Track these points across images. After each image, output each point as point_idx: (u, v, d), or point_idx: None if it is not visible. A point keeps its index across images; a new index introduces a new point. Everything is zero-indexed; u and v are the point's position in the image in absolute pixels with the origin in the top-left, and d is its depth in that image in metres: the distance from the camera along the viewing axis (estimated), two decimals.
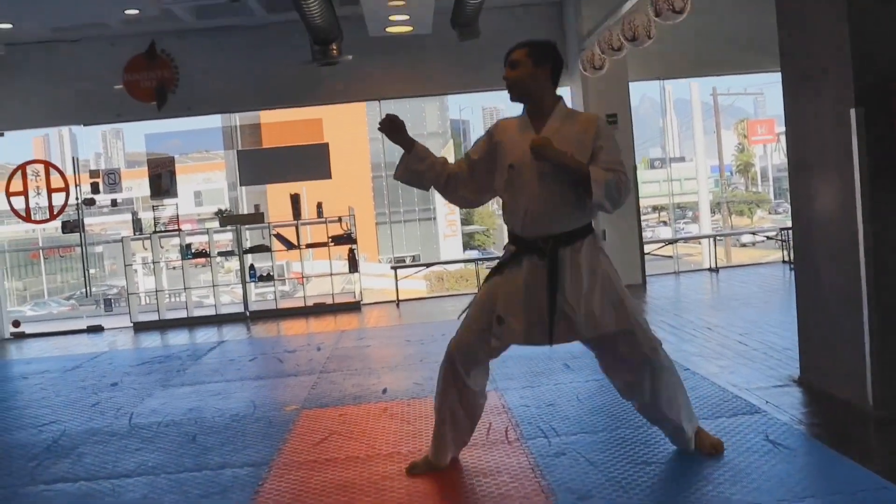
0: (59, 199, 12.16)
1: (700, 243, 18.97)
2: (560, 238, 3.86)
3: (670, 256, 14.08)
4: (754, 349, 6.67)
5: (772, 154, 39.88)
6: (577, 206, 3.87)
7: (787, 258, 12.67)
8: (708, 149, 32.83)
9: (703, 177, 29.19)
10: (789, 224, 6.41)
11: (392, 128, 3.98)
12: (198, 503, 4.08)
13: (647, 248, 12.59)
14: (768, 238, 16.83)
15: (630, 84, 12.02)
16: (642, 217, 12.36)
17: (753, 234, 19.30)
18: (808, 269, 5.49)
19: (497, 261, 4.13)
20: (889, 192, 4.64)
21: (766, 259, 15.93)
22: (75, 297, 24.57)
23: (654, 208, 36.14)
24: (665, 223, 34.33)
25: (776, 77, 5.75)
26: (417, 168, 4.07)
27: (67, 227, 12.41)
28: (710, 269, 13.40)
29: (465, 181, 4.09)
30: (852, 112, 4.66)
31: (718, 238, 14.70)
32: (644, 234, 13.40)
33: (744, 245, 28.01)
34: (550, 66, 3.96)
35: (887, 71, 4.63)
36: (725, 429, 4.56)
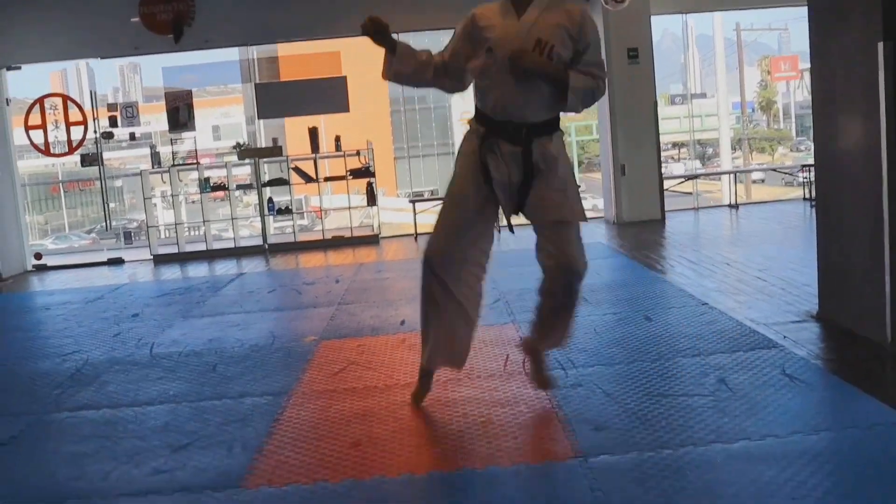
0: (77, 132, 12.17)
1: (720, 179, 18.84)
2: (531, 127, 3.82)
3: (690, 193, 14.01)
4: (773, 285, 6.65)
5: (794, 91, 39.34)
6: (549, 100, 3.82)
7: (807, 195, 12.58)
8: (730, 85, 32.41)
9: (724, 113, 28.84)
10: (811, 161, 6.35)
11: (376, 29, 3.83)
12: (218, 430, 4.14)
13: (666, 184, 12.52)
14: (785, 174, 16.69)
15: (652, 18, 11.83)
16: (662, 153, 12.24)
17: (774, 170, 19.11)
18: (830, 205, 5.45)
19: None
20: None
21: (787, 196, 15.80)
22: (96, 230, 24.74)
23: (675, 144, 35.83)
24: (674, 159, 34.08)
25: (801, 12, 5.65)
26: (404, 70, 3.96)
27: (86, 161, 12.44)
28: (729, 206, 13.33)
29: (450, 71, 3.98)
30: (880, 46, 4.57)
31: (739, 175, 14.59)
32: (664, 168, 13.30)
33: (762, 181, 27.78)
34: None
35: None
36: (742, 363, 4.57)
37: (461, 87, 4.10)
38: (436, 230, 4.02)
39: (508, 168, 3.83)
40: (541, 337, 4.18)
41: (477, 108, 3.97)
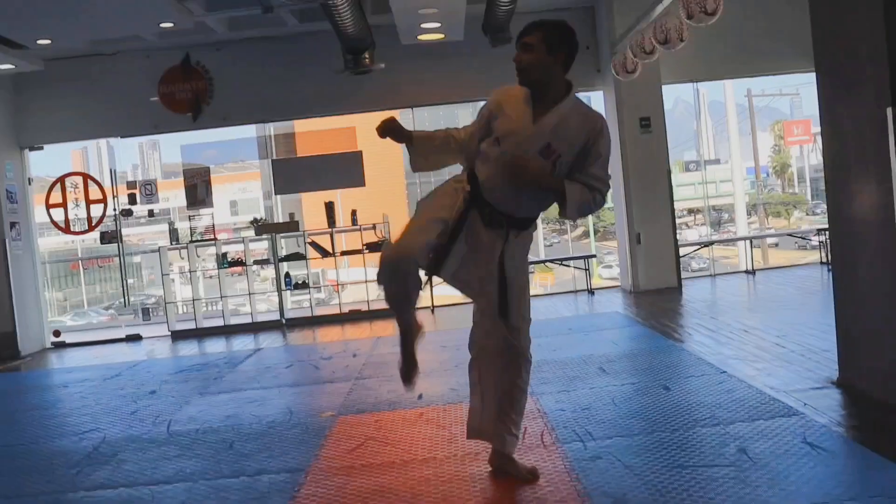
0: (97, 210, 12.35)
1: (736, 245, 18.82)
2: (515, 220, 3.87)
3: (707, 258, 13.98)
4: (792, 351, 6.60)
5: (808, 155, 39.39)
6: (540, 201, 3.87)
7: (824, 259, 12.54)
8: (743, 150, 32.53)
9: (738, 178, 28.90)
10: (826, 225, 6.35)
11: (390, 129, 3.89)
12: None
13: (682, 251, 12.51)
14: (802, 238, 16.64)
15: (663, 87, 11.96)
16: (678, 219, 12.28)
17: (790, 235, 19.08)
18: (846, 269, 5.43)
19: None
20: None
21: (803, 260, 15.76)
22: (114, 306, 24.81)
23: (690, 211, 35.85)
24: (688, 226, 34.08)
25: (811, 77, 5.70)
26: (424, 165, 4.02)
27: (106, 238, 12.59)
28: (746, 272, 13.29)
29: (465, 150, 3.98)
30: (889, 111, 4.61)
31: (755, 241, 14.58)
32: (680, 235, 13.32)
33: (776, 245, 27.70)
34: (565, 53, 3.80)
35: None
36: (763, 431, 4.52)
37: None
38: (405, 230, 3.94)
39: (468, 239, 3.86)
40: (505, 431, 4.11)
41: (472, 172, 3.94)
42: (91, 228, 12.48)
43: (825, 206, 5.86)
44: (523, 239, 3.97)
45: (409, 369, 4.25)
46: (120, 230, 12.56)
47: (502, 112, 3.85)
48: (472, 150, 3.96)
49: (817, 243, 13.47)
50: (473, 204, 3.86)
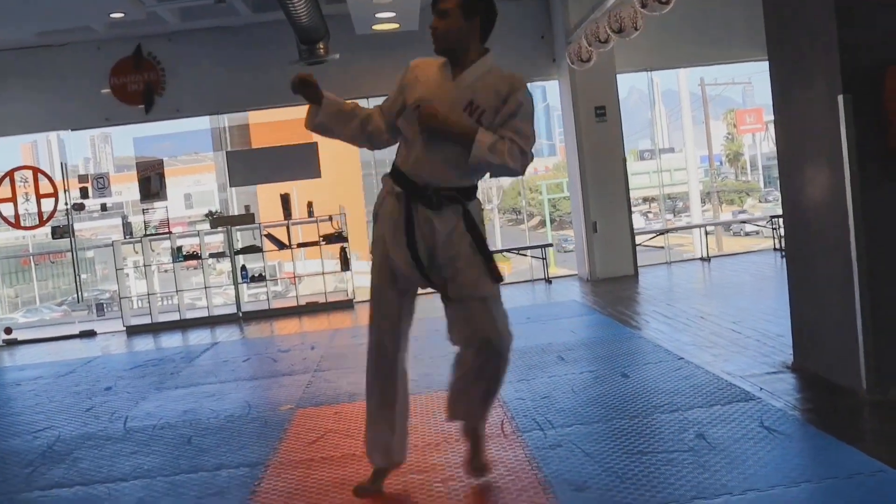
0: (48, 204, 12.13)
1: (691, 233, 19.00)
2: (446, 192, 3.68)
3: (662, 247, 14.10)
4: (747, 337, 6.68)
5: (761, 143, 39.92)
6: (461, 163, 3.63)
7: (777, 246, 12.70)
8: (697, 139, 32.86)
9: (692, 167, 29.19)
10: (779, 212, 6.43)
11: (304, 84, 3.80)
12: None
13: (638, 239, 12.61)
14: (756, 226, 16.86)
15: (618, 76, 12.03)
16: (633, 207, 12.39)
17: (743, 222, 19.30)
18: (800, 256, 5.51)
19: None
20: (878, 178, 4.66)
21: (757, 247, 15.97)
22: (67, 302, 24.47)
23: (645, 199, 36.17)
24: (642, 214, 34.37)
25: (763, 66, 5.77)
26: (326, 121, 3.86)
27: (57, 233, 12.39)
28: (701, 259, 13.43)
29: (381, 122, 3.84)
30: (840, 99, 4.67)
31: (709, 228, 14.74)
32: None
33: (736, 234, 28.08)
34: (479, 19, 3.71)
35: (874, 57, 4.63)
36: (720, 416, 4.57)
37: (390, 142, 3.93)
38: (372, 322, 3.86)
39: (423, 233, 3.69)
40: (472, 413, 3.96)
41: (395, 166, 3.81)
42: (42, 223, 12.27)
43: (777, 194, 5.93)
44: (464, 210, 3.72)
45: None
46: (72, 225, 12.37)
47: (417, 81, 3.75)
48: (390, 119, 3.82)
49: (770, 230, 13.63)
50: (411, 199, 3.71)
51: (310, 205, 12.25)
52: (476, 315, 3.73)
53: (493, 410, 5.09)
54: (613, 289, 10.94)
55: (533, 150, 3.68)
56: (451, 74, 3.71)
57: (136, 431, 5.69)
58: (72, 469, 4.92)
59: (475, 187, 3.82)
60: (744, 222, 19.30)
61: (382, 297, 3.83)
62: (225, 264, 13.23)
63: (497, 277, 3.74)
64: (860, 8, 4.69)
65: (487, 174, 3.90)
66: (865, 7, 4.69)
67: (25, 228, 12.55)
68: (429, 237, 3.69)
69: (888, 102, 4.58)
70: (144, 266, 12.38)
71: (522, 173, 3.74)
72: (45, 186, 12.17)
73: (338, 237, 12.15)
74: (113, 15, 10.19)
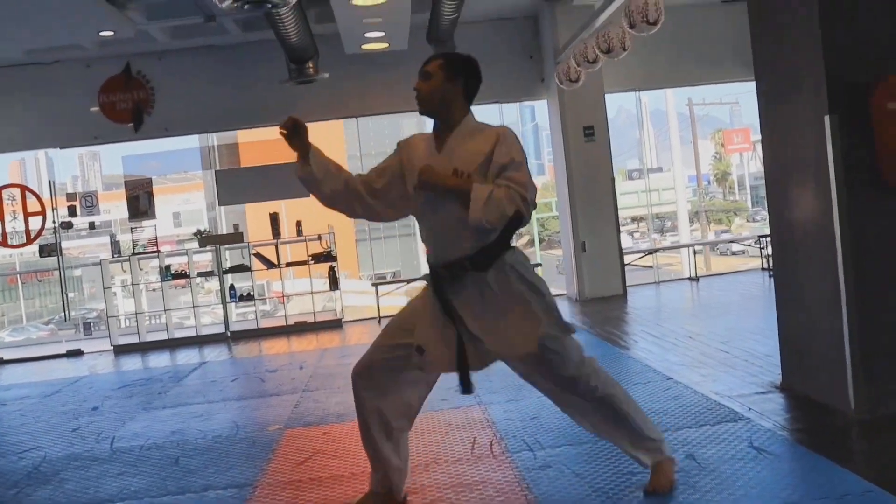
0: (35, 222, 12.08)
1: (679, 252, 19.06)
2: (463, 263, 3.59)
3: (650, 266, 14.13)
4: (736, 356, 6.69)
5: (748, 162, 40.17)
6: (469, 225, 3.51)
7: (765, 265, 12.74)
8: (685, 158, 33.05)
9: (680, 186, 29.34)
10: (767, 231, 6.46)
11: (297, 131, 3.78)
12: None
13: (627, 259, 12.63)
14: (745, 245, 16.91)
15: (606, 96, 12.08)
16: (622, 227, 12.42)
17: (731, 241, 19.39)
18: (787, 275, 5.52)
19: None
20: (865, 197, 4.68)
21: (745, 266, 16.02)
22: (54, 321, 24.39)
23: (633, 219, 36.30)
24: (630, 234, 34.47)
25: (751, 86, 5.80)
26: (316, 175, 3.81)
27: (45, 251, 12.33)
28: (689, 279, 13.46)
29: (366, 189, 3.79)
30: (826, 119, 4.70)
31: (697, 247, 14.78)
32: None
33: (722, 254, 28.19)
34: (463, 82, 3.66)
35: (860, 78, 4.67)
36: (710, 437, 4.57)
37: (372, 213, 3.91)
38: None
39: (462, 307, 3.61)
40: (613, 438, 3.89)
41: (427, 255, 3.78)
42: (29, 241, 12.20)
43: (765, 213, 5.95)
44: (490, 271, 3.60)
45: None
46: (60, 243, 12.30)
47: (410, 160, 3.72)
48: (357, 189, 3.79)
49: (758, 249, 13.68)
50: (443, 280, 3.65)
51: (299, 224, 12.23)
52: (544, 367, 3.72)
53: (483, 431, 5.08)
54: (602, 308, 10.95)
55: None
56: (435, 148, 3.69)
57: (123, 452, 5.65)
58: (58, 490, 4.89)
59: (497, 249, 3.63)
60: (731, 241, 19.36)
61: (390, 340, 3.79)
62: (213, 283, 13.19)
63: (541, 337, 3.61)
64: (846, 29, 4.73)
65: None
66: (851, 28, 4.73)
67: (13, 247, 12.49)
68: (477, 312, 3.62)
69: (875, 123, 4.61)
70: (132, 285, 12.32)
71: (527, 217, 3.54)
72: (32, 204, 12.12)
73: (327, 256, 12.14)
74: (103, 33, 10.19)
